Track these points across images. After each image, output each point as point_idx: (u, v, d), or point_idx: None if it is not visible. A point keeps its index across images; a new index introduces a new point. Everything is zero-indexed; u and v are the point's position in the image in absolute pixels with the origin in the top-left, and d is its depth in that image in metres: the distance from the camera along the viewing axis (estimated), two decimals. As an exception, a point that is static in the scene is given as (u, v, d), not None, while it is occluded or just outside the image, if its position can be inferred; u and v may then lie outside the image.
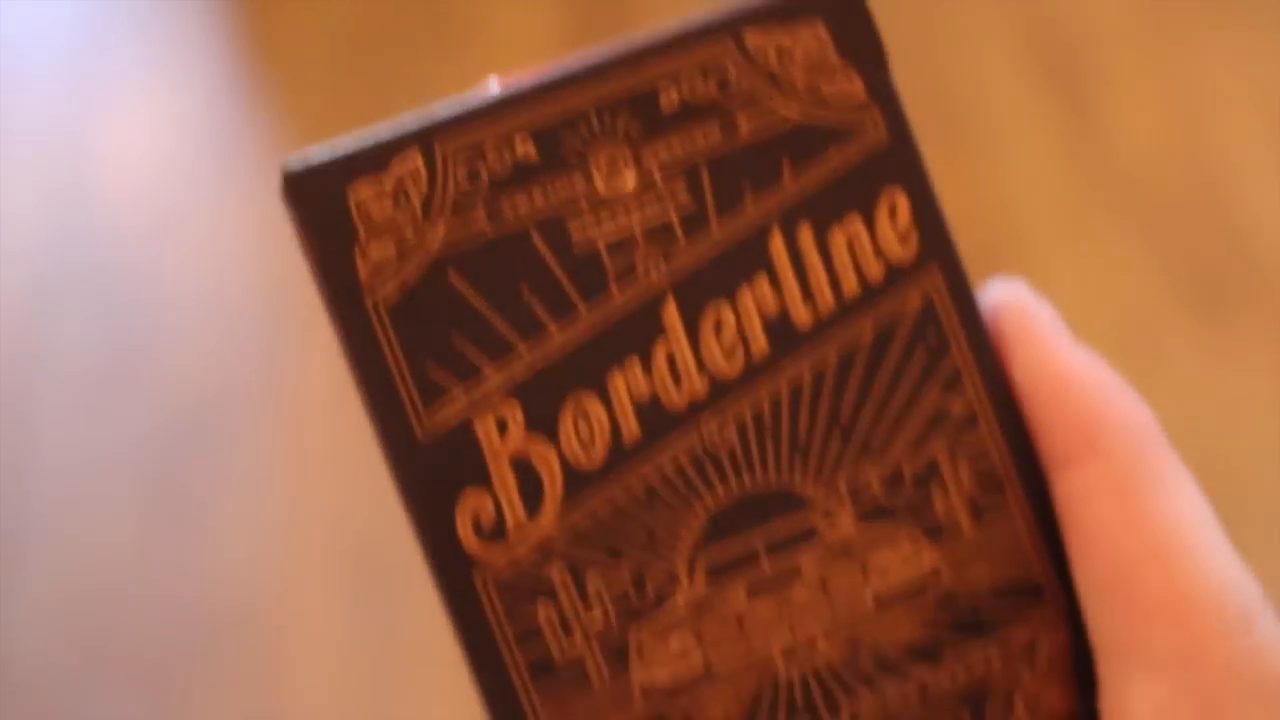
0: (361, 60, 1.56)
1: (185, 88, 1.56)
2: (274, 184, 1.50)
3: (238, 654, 1.29)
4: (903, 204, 0.33)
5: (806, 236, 0.33)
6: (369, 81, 1.55)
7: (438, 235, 0.32)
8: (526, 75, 0.33)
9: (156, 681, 1.28)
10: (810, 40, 0.33)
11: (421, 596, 1.29)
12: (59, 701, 1.27)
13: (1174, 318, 1.22)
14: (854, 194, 0.33)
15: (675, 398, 0.33)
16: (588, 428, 0.33)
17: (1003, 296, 0.34)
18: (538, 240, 0.32)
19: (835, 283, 0.33)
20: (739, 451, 0.33)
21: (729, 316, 0.33)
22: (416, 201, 0.32)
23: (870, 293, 0.33)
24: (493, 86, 0.33)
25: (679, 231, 0.33)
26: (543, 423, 0.32)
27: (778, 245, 0.33)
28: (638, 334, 0.33)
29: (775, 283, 0.33)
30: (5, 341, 1.42)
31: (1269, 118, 1.30)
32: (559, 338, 0.32)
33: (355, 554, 1.32)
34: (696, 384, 0.33)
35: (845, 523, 0.33)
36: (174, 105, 1.55)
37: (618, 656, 0.33)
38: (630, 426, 0.33)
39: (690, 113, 0.33)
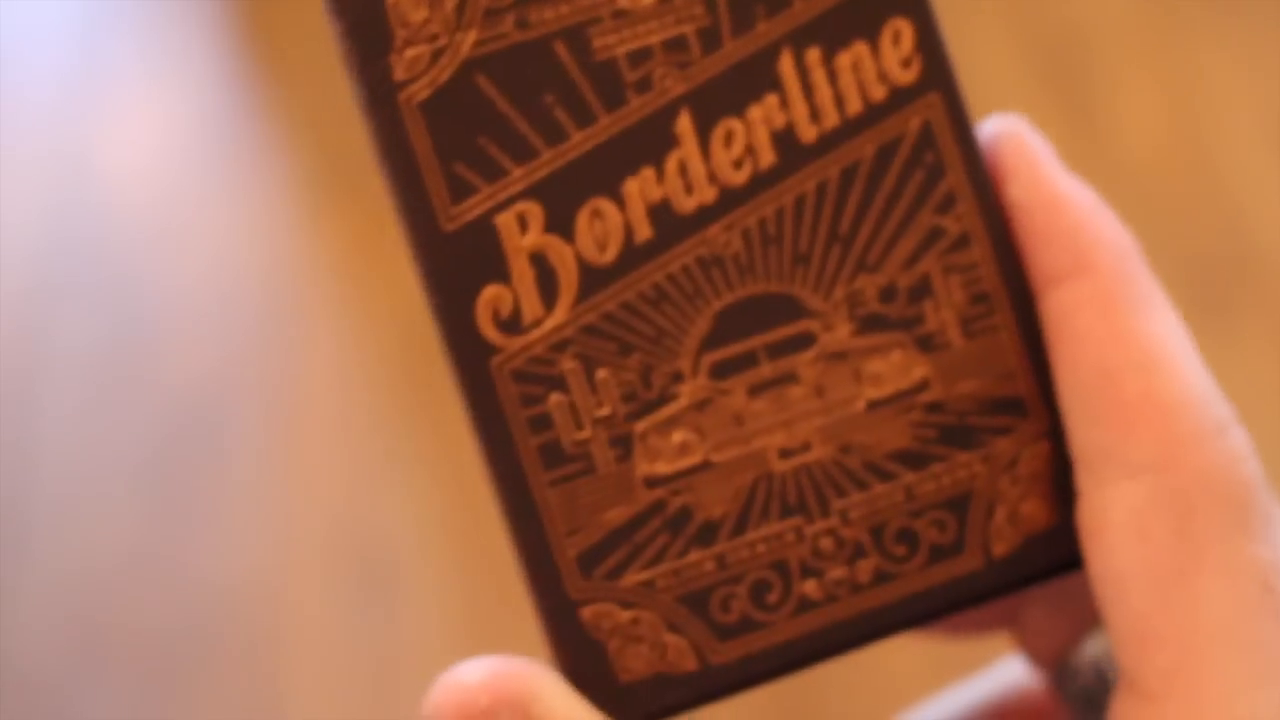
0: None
1: (185, 89, 1.58)
2: (277, 180, 1.52)
3: (237, 650, 1.30)
4: (907, 31, 0.35)
5: (814, 57, 0.35)
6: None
7: (469, 39, 0.34)
8: None
9: (156, 678, 1.29)
10: None
11: (421, 596, 1.30)
12: (59, 698, 1.28)
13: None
14: (861, 19, 0.35)
15: (686, 203, 0.35)
16: (602, 227, 0.34)
17: (1002, 126, 0.36)
18: (561, 48, 0.34)
19: (840, 102, 0.35)
20: (744, 257, 0.35)
21: (739, 129, 0.35)
22: (450, 6, 0.34)
23: (872, 113, 0.35)
24: None
25: (695, 46, 0.35)
26: (560, 221, 0.34)
27: (787, 64, 0.35)
28: (653, 141, 0.35)
29: (783, 99, 0.35)
30: (5, 341, 1.43)
31: (1269, 117, 1.32)
32: (579, 142, 0.34)
33: (355, 552, 1.33)
34: (706, 191, 0.35)
35: (842, 330, 0.35)
36: (174, 106, 1.57)
37: (623, 446, 0.34)
38: (643, 228, 0.35)
39: None
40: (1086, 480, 0.34)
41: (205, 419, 1.37)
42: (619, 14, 0.35)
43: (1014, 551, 0.35)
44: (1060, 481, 0.35)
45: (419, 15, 0.34)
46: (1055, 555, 0.35)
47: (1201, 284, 1.24)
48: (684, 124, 0.35)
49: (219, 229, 1.49)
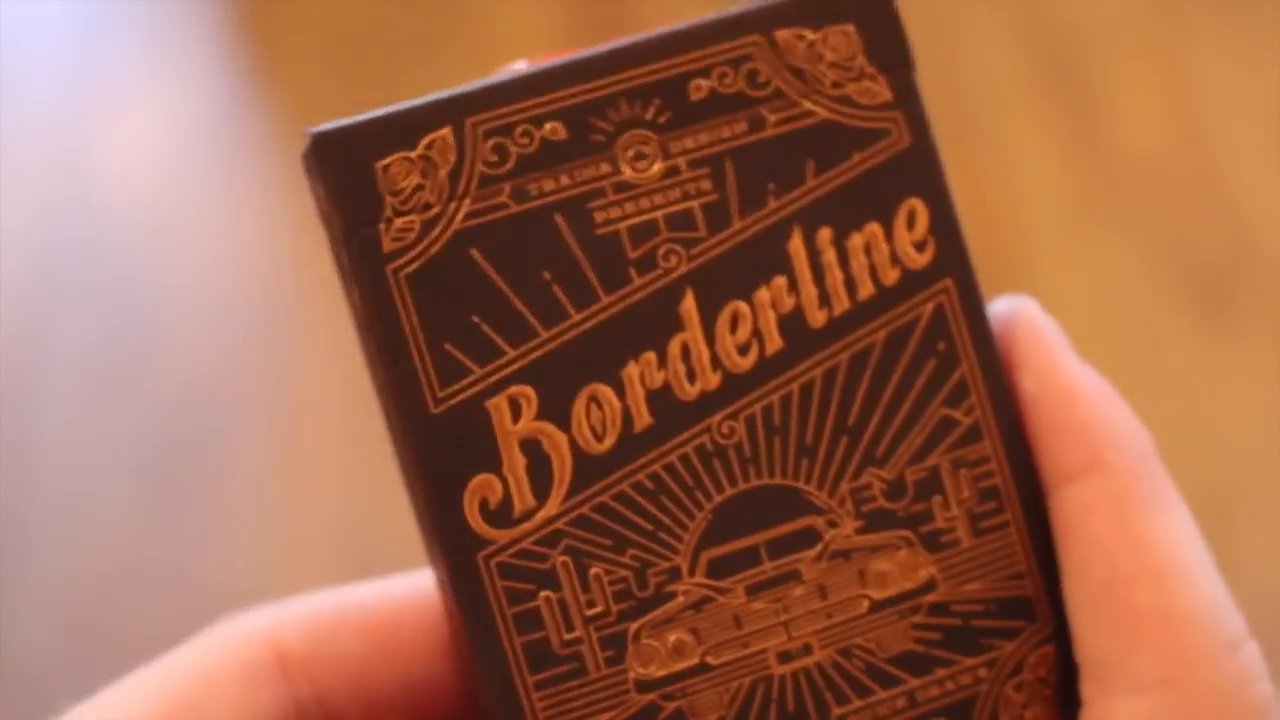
0: (363, 63, 1.57)
1: (185, 89, 1.56)
2: (276, 180, 1.50)
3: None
4: (922, 212, 0.33)
5: (825, 238, 0.33)
6: (370, 83, 1.55)
7: (462, 210, 0.32)
8: (555, 58, 0.33)
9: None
10: (839, 40, 0.33)
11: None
12: (58, 697, 1.27)
13: (1175, 317, 1.22)
14: (875, 199, 0.33)
15: (688, 390, 0.33)
16: (600, 414, 0.33)
17: (1014, 310, 0.34)
18: (560, 222, 0.33)
19: (851, 286, 0.33)
20: (747, 448, 0.33)
21: (745, 312, 0.33)
22: (444, 175, 0.32)
23: (885, 298, 0.33)
24: (521, 68, 0.34)
25: (701, 223, 0.33)
26: (556, 407, 0.32)
27: (797, 244, 0.33)
28: (655, 323, 0.33)
29: (792, 281, 0.33)
30: (5, 341, 1.42)
31: (1269, 118, 1.30)
32: (577, 322, 0.33)
33: (355, 552, 1.32)
34: (710, 377, 0.33)
35: (847, 527, 0.33)
36: (174, 107, 1.55)
37: (615, 646, 0.33)
38: (642, 415, 0.33)
39: (718, 104, 0.33)
40: (1092, 689, 0.32)
41: (205, 419, 1.35)
42: (622, 186, 0.33)
43: None
44: (1066, 687, 0.34)
45: (410, 182, 0.32)
46: None
47: (1201, 284, 1.23)
48: (688, 306, 0.33)
49: (219, 230, 1.47)
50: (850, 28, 0.33)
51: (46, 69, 1.57)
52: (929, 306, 0.33)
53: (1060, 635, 0.34)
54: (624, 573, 0.33)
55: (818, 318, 0.33)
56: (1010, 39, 1.39)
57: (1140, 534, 0.32)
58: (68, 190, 1.51)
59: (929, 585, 0.33)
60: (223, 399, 1.38)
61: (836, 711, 0.33)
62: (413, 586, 0.35)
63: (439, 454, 0.32)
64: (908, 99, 0.33)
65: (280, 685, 0.34)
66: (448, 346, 0.32)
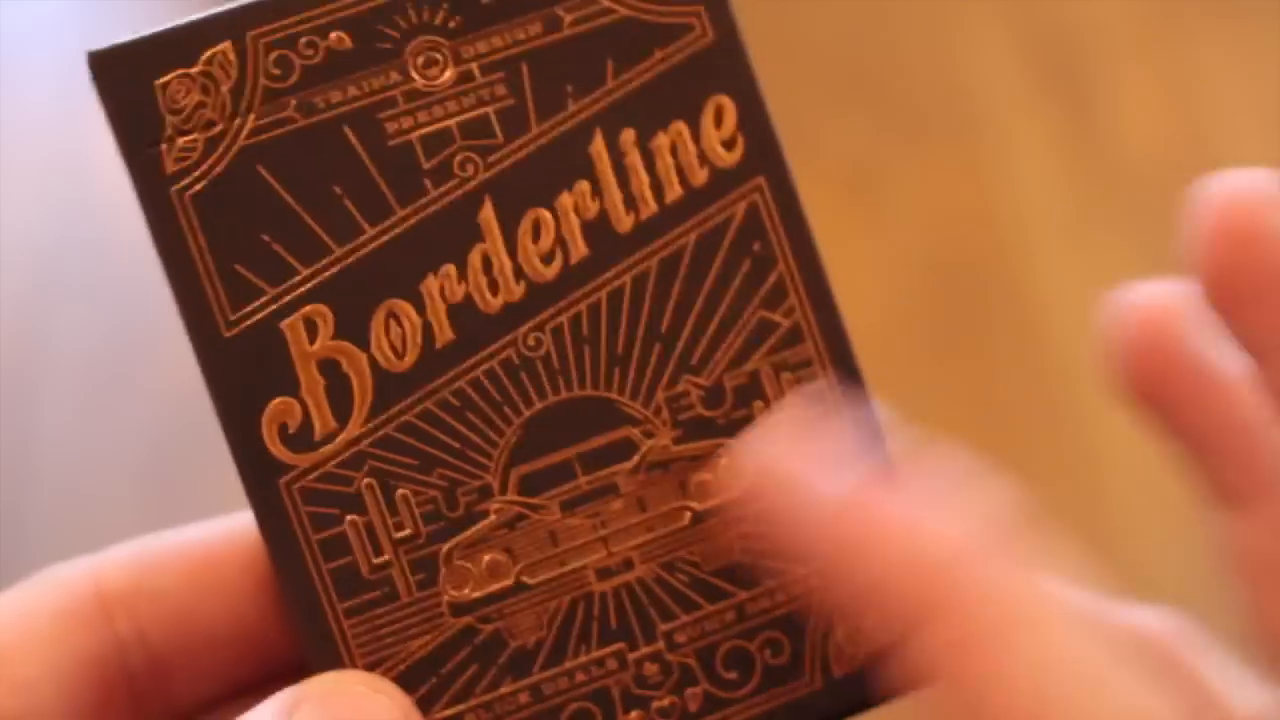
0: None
1: None
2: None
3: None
4: (729, 109, 0.32)
5: (629, 139, 0.32)
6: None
7: (247, 125, 0.31)
8: None
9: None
10: None
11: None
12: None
13: (1171, 317, 1.21)
14: (679, 98, 0.32)
15: (491, 302, 0.32)
16: (399, 331, 0.32)
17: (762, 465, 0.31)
18: (351, 134, 0.31)
19: (658, 188, 0.32)
20: (555, 359, 0.32)
21: (548, 219, 0.32)
22: (226, 90, 0.31)
23: (694, 199, 0.32)
24: None
25: (498, 129, 0.32)
26: (353, 326, 0.31)
27: (599, 147, 0.32)
28: (453, 235, 0.32)
29: (596, 186, 0.32)
30: (5, 341, 1.42)
31: (1270, 118, 1.28)
32: (372, 237, 0.32)
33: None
34: (513, 288, 0.32)
35: (664, 437, 0.32)
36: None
37: (426, 570, 0.32)
38: (444, 330, 0.32)
39: (511, 6, 0.32)
40: None
41: (205, 419, 1.35)
42: (413, 95, 0.32)
43: (856, 671, 0.32)
44: None
45: (191, 99, 0.31)
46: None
47: (1200, 284, 1.21)
48: (487, 215, 0.32)
49: None
50: None
51: (46, 69, 1.57)
52: (741, 206, 0.32)
53: None
54: (432, 493, 0.32)
55: (624, 222, 0.32)
56: (1010, 39, 1.37)
57: (999, 676, 0.28)
58: (67, 190, 1.50)
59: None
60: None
61: (662, 627, 0.32)
62: (240, 523, 0.34)
63: (234, 378, 0.31)
64: None
65: (100, 625, 0.33)
66: (238, 267, 0.31)
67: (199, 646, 0.33)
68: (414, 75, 0.32)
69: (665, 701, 0.32)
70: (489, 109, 0.32)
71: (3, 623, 0.32)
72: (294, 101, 0.31)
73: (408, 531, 0.32)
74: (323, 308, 0.31)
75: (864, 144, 1.31)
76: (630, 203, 0.32)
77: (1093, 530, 1.17)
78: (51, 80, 1.57)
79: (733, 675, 0.32)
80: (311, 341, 0.31)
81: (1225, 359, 0.33)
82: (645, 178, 0.32)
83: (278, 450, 0.31)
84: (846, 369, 0.32)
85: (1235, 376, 0.33)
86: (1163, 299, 0.33)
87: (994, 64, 1.47)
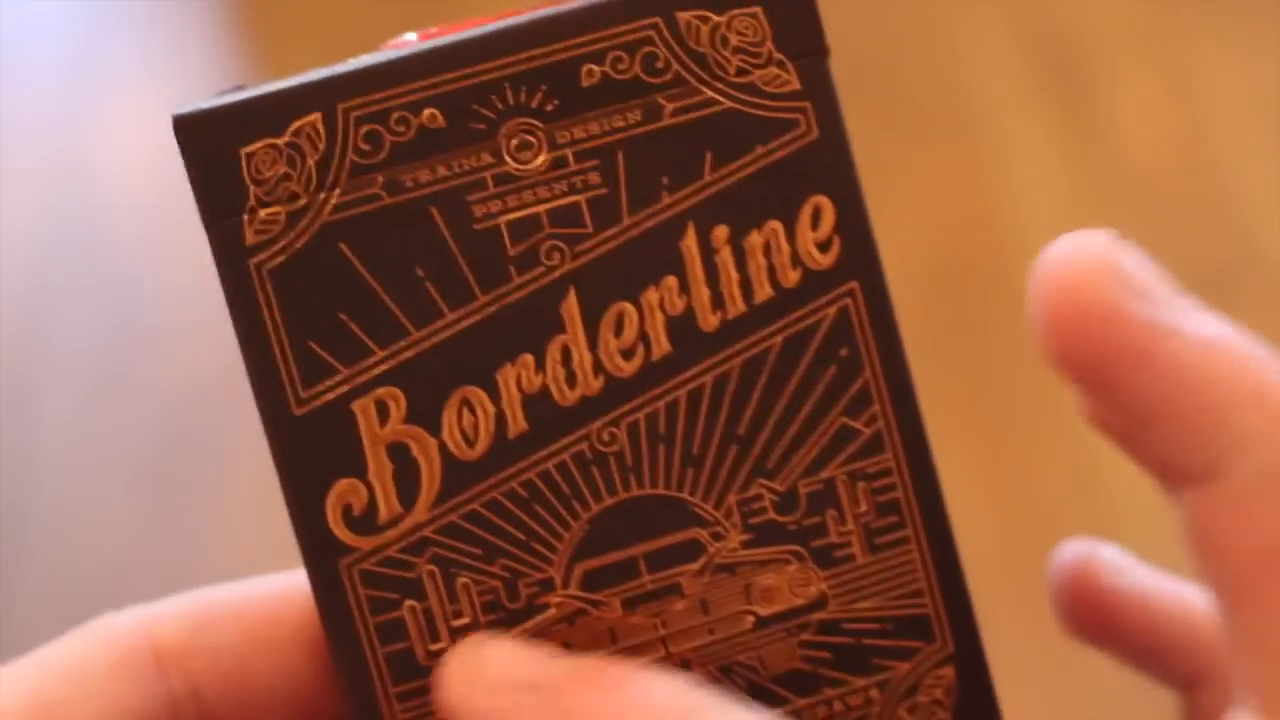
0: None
1: (184, 88, 1.54)
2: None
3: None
4: (828, 210, 0.31)
5: (721, 236, 0.31)
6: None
7: (331, 201, 0.31)
8: (444, 33, 0.31)
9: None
10: (746, 24, 0.31)
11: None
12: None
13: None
14: (777, 196, 0.31)
15: (567, 395, 0.31)
16: (472, 419, 0.31)
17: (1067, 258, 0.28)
18: (437, 215, 0.31)
19: (747, 287, 0.31)
20: (629, 456, 0.31)
21: (631, 314, 0.31)
22: (312, 163, 0.30)
23: (784, 300, 0.31)
24: (409, 40, 0.32)
25: (588, 218, 0.31)
26: (425, 411, 0.31)
27: (690, 243, 0.31)
28: (534, 325, 0.31)
29: (684, 282, 0.31)
30: (4, 341, 1.41)
31: (1269, 118, 1.28)
32: (451, 322, 0.31)
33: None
34: (591, 382, 0.31)
35: (733, 540, 0.31)
36: (173, 106, 1.53)
37: None
38: (517, 420, 0.31)
39: (611, 91, 0.31)
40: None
41: (205, 419, 1.34)
42: (504, 179, 0.31)
43: None
44: (964, 709, 0.32)
45: (276, 170, 0.30)
46: None
47: (1201, 284, 1.21)
48: (570, 306, 0.31)
49: None
50: (758, 10, 0.31)
51: (46, 69, 1.55)
52: (832, 310, 0.31)
53: (962, 658, 0.32)
54: (494, 583, 0.31)
55: (710, 321, 0.31)
56: (1010, 39, 1.36)
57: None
58: (67, 190, 1.49)
59: (819, 602, 0.32)
60: (223, 399, 1.37)
61: None
62: (296, 581, 0.33)
63: (302, 456, 0.31)
64: (818, 88, 0.31)
65: (154, 679, 0.32)
66: (312, 345, 0.31)
67: (252, 705, 0.33)
68: (506, 158, 0.31)
69: None
70: (580, 197, 0.31)
71: (58, 672, 0.32)
72: (381, 179, 0.31)
73: (466, 620, 0.31)
74: (396, 390, 0.31)
75: (864, 143, 1.30)
76: (718, 301, 0.31)
77: (1093, 530, 1.17)
78: (51, 80, 1.55)
79: None
80: (382, 424, 0.31)
81: (1170, 314, 0.29)
82: (735, 276, 0.31)
83: (340, 531, 0.31)
84: (924, 482, 0.32)
85: (1183, 333, 0.29)
86: (1092, 254, 0.29)
87: (994, 64, 1.45)
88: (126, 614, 0.33)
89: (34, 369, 1.40)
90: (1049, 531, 1.10)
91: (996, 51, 1.34)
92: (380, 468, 0.31)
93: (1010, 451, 1.14)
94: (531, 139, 0.31)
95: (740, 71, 0.31)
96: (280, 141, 0.30)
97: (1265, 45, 1.32)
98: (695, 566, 0.31)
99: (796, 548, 0.32)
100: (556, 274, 0.31)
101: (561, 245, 0.31)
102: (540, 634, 0.31)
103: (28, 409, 1.38)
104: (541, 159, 0.31)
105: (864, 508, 0.32)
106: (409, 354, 0.31)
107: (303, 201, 0.30)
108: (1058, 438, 1.13)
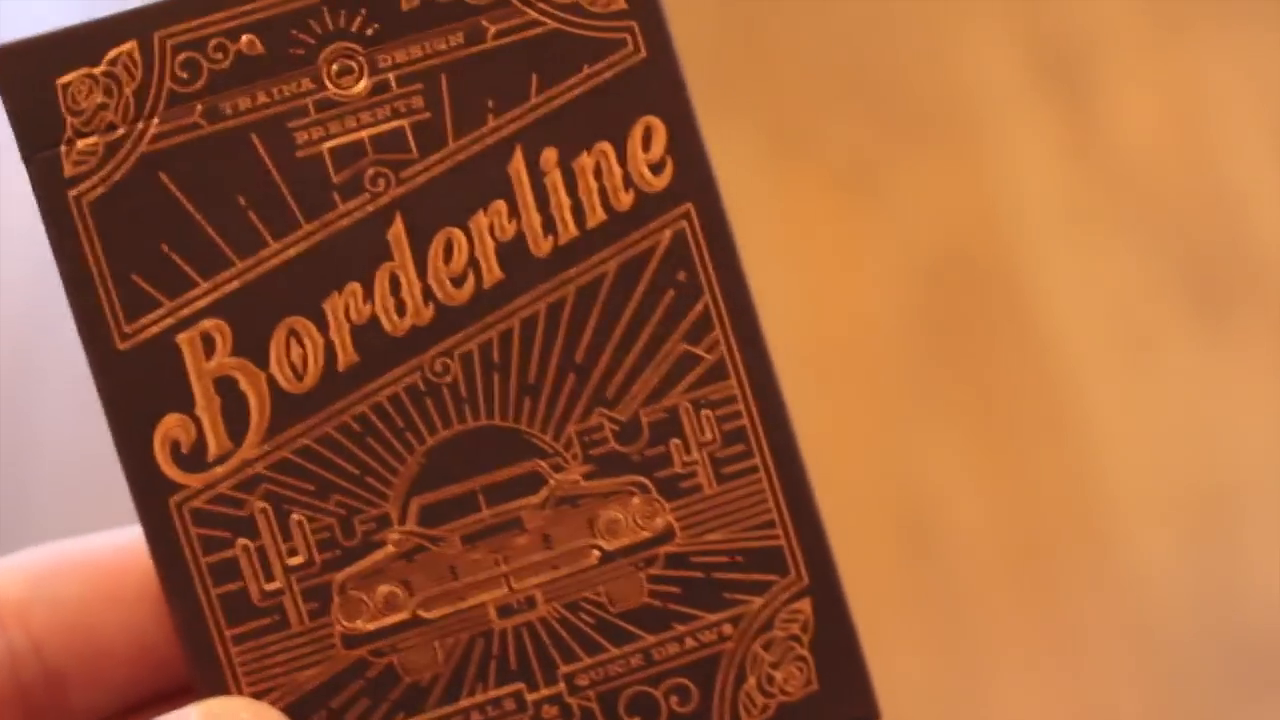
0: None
1: None
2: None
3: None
4: (659, 131, 0.31)
5: (550, 159, 0.30)
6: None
7: (150, 130, 0.30)
8: None
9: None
10: None
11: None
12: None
13: (1173, 317, 1.20)
14: (606, 116, 0.31)
15: (397, 324, 0.30)
16: (300, 350, 0.30)
17: None
18: (258, 143, 0.30)
19: (578, 211, 0.31)
20: (463, 387, 0.30)
21: (460, 240, 0.30)
22: (129, 92, 0.30)
23: (617, 224, 0.31)
24: None
25: (412, 144, 0.30)
26: (252, 343, 0.30)
27: (518, 166, 0.30)
28: (360, 253, 0.30)
29: (513, 207, 0.30)
30: (5, 340, 1.41)
31: (1270, 117, 1.27)
32: (276, 251, 0.30)
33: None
34: (421, 311, 0.30)
35: (574, 472, 0.31)
36: None
37: (319, 599, 0.30)
38: (347, 351, 0.30)
39: (432, 14, 0.30)
40: None
41: None
42: (325, 105, 0.30)
43: None
44: (823, 644, 0.31)
45: (93, 101, 0.30)
46: None
47: (1201, 284, 1.19)
48: (397, 233, 0.30)
49: None
50: None
51: None
52: (667, 233, 0.31)
53: (819, 591, 0.31)
54: (328, 520, 0.30)
55: (542, 246, 0.31)
56: (1010, 39, 1.36)
57: None
58: None
59: (666, 534, 0.31)
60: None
61: (564, 669, 0.31)
62: (141, 533, 0.33)
63: (127, 392, 0.30)
64: (644, 6, 0.31)
65: None
66: (135, 278, 0.30)
67: (97, 659, 0.32)
68: (327, 84, 0.30)
69: None
70: (404, 121, 0.30)
71: None
72: (200, 107, 0.30)
73: (301, 559, 0.30)
74: (221, 323, 0.30)
75: (864, 144, 1.29)
76: (549, 226, 0.30)
77: (1093, 530, 1.16)
78: None
79: None
80: (208, 357, 0.30)
81: None
82: (566, 200, 0.30)
83: (169, 469, 0.30)
84: (771, 408, 0.31)
85: None
86: None
87: (994, 64, 1.44)
88: None
89: (34, 367, 1.40)
90: (1048, 531, 1.08)
91: (996, 52, 1.33)
92: (208, 402, 0.30)
93: (1009, 451, 1.12)
94: (352, 64, 0.30)
95: None
96: (97, 71, 0.30)
97: (1265, 46, 1.31)
98: (536, 500, 0.31)
99: (640, 479, 0.31)
100: (382, 201, 0.30)
101: (386, 171, 0.30)
102: (378, 572, 0.30)
103: (28, 408, 1.38)
104: (363, 84, 0.30)
105: (709, 436, 0.31)
106: (233, 285, 0.30)
107: (121, 131, 0.30)
108: (1057, 437, 1.12)
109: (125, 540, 0.32)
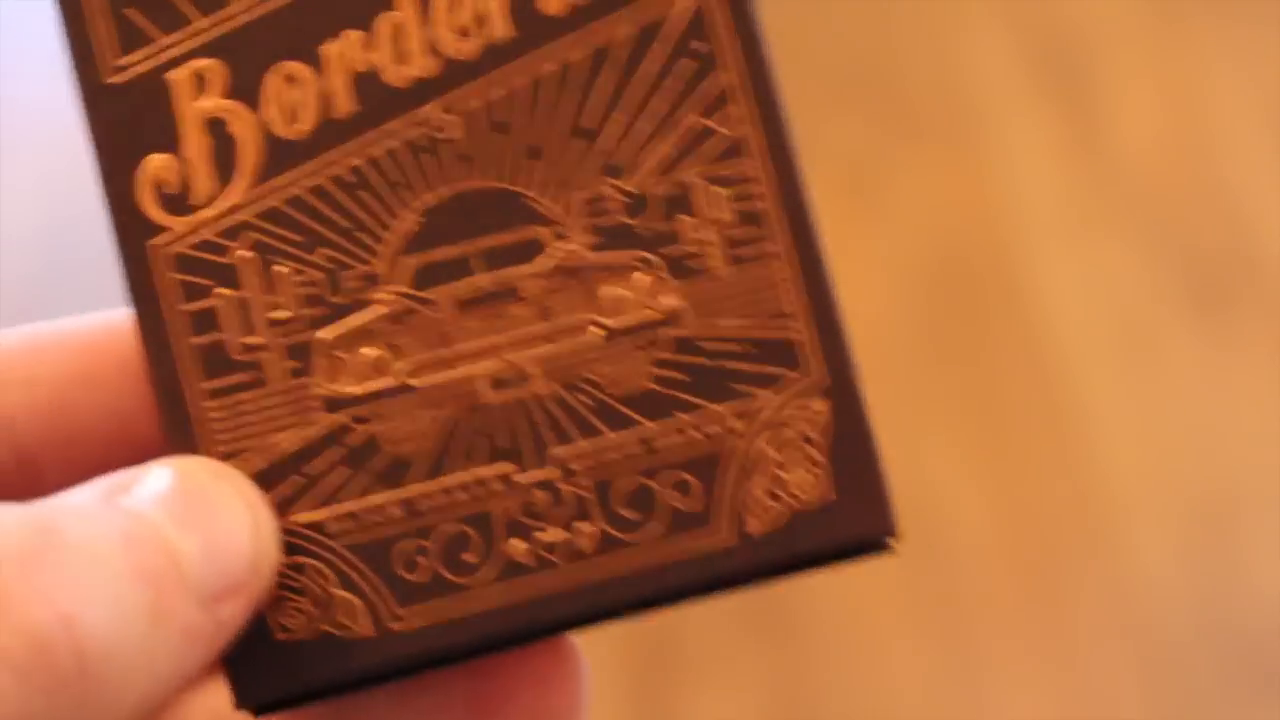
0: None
1: None
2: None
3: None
4: None
5: None
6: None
7: None
8: None
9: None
10: None
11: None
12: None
13: (1174, 317, 1.19)
14: None
15: (398, 74, 0.29)
16: (295, 95, 0.29)
17: None
18: None
19: None
20: (465, 144, 0.29)
21: None
22: None
23: None
24: None
25: None
26: (245, 84, 0.29)
27: None
28: (362, 0, 0.29)
29: None
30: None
31: (1269, 118, 1.26)
32: None
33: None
34: (424, 62, 0.29)
35: (577, 241, 0.29)
36: None
37: (301, 357, 0.29)
38: (343, 100, 0.29)
39: None
40: None
41: None
42: None
43: (773, 530, 0.29)
44: (841, 449, 0.29)
45: None
46: (825, 537, 0.29)
47: (1201, 283, 1.19)
48: None
49: None
50: None
51: (46, 67, 1.56)
52: (687, 1, 0.29)
53: (839, 392, 0.29)
54: (316, 274, 0.29)
55: (553, 3, 0.29)
56: (1010, 39, 1.35)
57: None
58: (67, 189, 1.49)
59: (672, 316, 0.29)
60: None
61: (556, 451, 0.29)
62: (126, 313, 0.31)
63: (113, 129, 0.29)
64: None
65: None
66: (129, 11, 0.29)
67: (71, 439, 0.30)
68: None
69: (553, 535, 0.29)
70: None
71: None
72: None
73: (285, 313, 0.29)
74: (215, 63, 0.29)
75: (864, 144, 1.28)
76: None
77: (1092, 529, 1.14)
78: (51, 76, 1.56)
79: (632, 515, 0.29)
80: (199, 97, 0.29)
81: None
82: None
83: (152, 210, 0.29)
84: (792, 192, 0.29)
85: None
86: None
87: (994, 64, 1.44)
88: None
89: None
90: (1049, 531, 1.07)
91: (996, 52, 1.33)
92: (196, 143, 0.29)
93: (1010, 451, 1.11)
94: None
95: None
96: None
97: (1265, 46, 1.31)
98: (535, 268, 0.29)
99: (647, 254, 0.29)
100: None
101: None
102: (366, 333, 0.29)
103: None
104: None
105: (723, 215, 0.29)
106: (231, 24, 0.29)
107: None
108: (1057, 437, 1.11)
109: (104, 321, 0.31)
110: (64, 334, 0.31)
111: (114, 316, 0.31)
